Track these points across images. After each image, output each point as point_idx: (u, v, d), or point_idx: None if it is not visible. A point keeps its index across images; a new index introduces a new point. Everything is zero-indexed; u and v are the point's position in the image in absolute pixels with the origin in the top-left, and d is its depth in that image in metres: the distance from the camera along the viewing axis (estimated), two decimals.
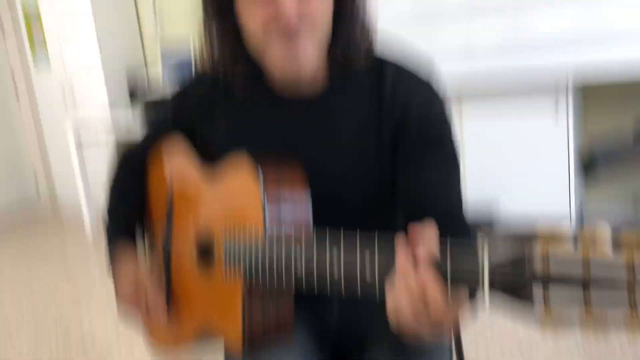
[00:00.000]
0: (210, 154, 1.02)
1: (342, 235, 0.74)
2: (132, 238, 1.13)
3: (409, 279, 0.63)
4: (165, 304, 1.05)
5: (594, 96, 2.90)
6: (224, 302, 0.94)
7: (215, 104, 1.02)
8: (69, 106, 4.29)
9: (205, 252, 1.00)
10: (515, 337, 2.10)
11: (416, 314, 0.63)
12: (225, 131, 1.01)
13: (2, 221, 4.73)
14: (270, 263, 0.83)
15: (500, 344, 2.07)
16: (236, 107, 1.00)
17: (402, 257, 0.64)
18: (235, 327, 0.90)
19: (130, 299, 1.03)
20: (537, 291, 0.53)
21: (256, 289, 0.89)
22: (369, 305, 1.01)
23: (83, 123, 3.90)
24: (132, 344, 2.38)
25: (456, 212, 0.91)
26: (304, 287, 0.79)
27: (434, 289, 0.62)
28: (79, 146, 3.88)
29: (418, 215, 0.82)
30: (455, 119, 0.94)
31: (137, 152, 1.15)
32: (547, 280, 0.53)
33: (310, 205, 0.90)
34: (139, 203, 1.15)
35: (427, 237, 0.65)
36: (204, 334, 1.03)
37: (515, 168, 2.87)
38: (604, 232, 0.51)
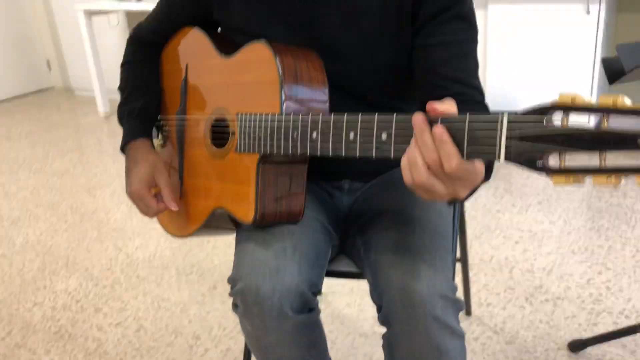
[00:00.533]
0: (227, 28, 1.02)
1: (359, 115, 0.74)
2: (145, 119, 1.10)
3: (425, 134, 0.63)
4: (179, 184, 1.06)
5: None
6: (237, 179, 0.93)
7: None
8: None
9: (219, 130, 0.99)
10: (518, 229, 2.12)
11: (430, 168, 0.63)
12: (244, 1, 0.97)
13: (16, 91, 4.75)
14: (287, 128, 0.82)
15: (503, 232, 2.09)
16: None
17: (419, 114, 0.64)
18: (247, 202, 0.90)
19: (144, 178, 1.02)
20: (554, 138, 0.52)
21: (270, 159, 0.88)
22: (378, 185, 1.06)
23: None
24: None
25: (472, 76, 0.90)
26: (318, 150, 0.79)
27: (448, 143, 0.61)
28: (88, 15, 3.78)
29: (434, 78, 0.86)
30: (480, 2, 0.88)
31: (151, 28, 1.12)
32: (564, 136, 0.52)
33: (327, 87, 0.89)
34: (152, 83, 1.13)
35: (445, 104, 0.64)
36: (213, 222, 1.02)
37: (541, 54, 2.76)
38: (625, 99, 0.49)
